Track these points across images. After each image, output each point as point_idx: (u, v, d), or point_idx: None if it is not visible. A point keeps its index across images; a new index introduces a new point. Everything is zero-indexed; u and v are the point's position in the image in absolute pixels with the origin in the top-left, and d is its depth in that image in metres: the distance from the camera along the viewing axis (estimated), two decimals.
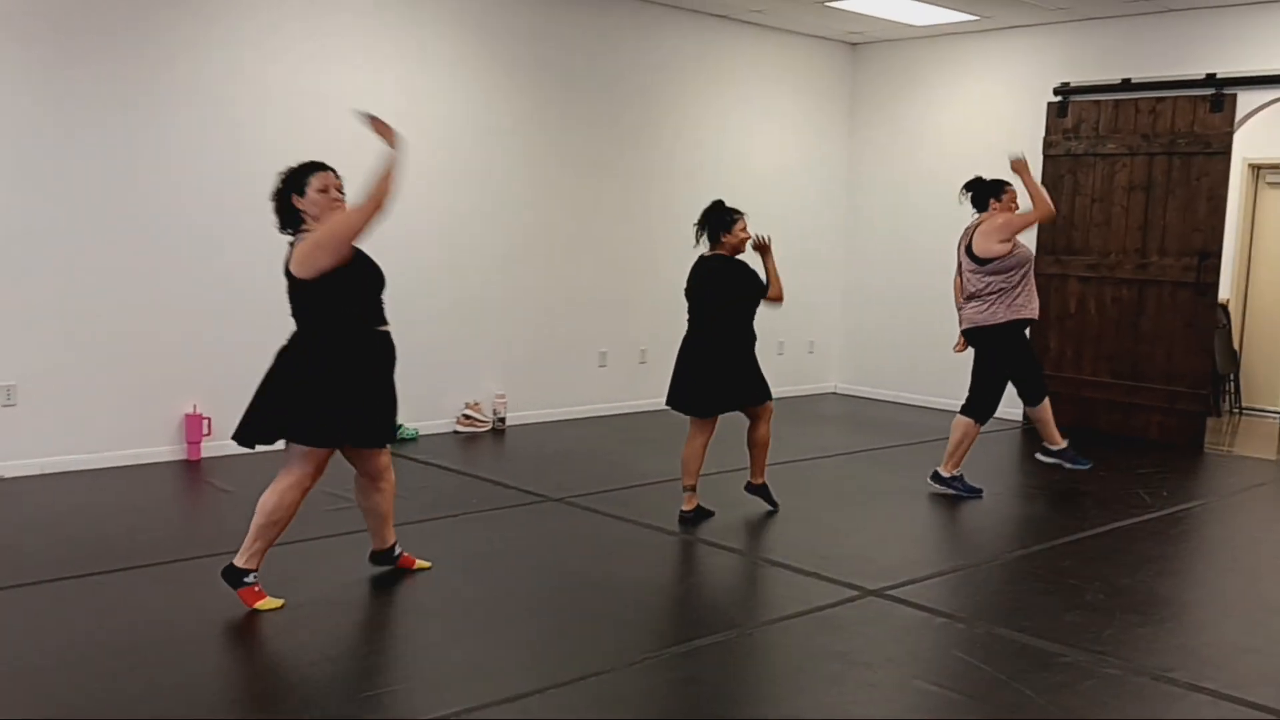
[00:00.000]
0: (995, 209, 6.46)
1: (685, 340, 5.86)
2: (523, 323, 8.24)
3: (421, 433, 7.50)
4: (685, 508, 5.78)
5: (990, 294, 6.38)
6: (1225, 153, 8.05)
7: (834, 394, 10.35)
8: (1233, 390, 9.98)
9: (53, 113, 6.17)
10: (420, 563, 4.81)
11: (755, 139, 9.55)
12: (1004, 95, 9.18)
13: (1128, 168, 8.49)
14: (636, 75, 8.74)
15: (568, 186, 8.43)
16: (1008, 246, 6.30)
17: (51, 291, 6.25)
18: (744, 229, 5.74)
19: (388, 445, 4.59)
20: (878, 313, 10.05)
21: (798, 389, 9.99)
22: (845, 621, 4.42)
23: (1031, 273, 6.43)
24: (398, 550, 4.79)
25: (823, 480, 6.83)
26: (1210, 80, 8.05)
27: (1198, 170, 8.16)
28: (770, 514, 5.95)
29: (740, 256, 5.79)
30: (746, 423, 5.94)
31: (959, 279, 6.65)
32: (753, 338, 5.79)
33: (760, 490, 6.01)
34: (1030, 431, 7.76)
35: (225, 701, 3.52)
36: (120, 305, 6.46)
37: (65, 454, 6.34)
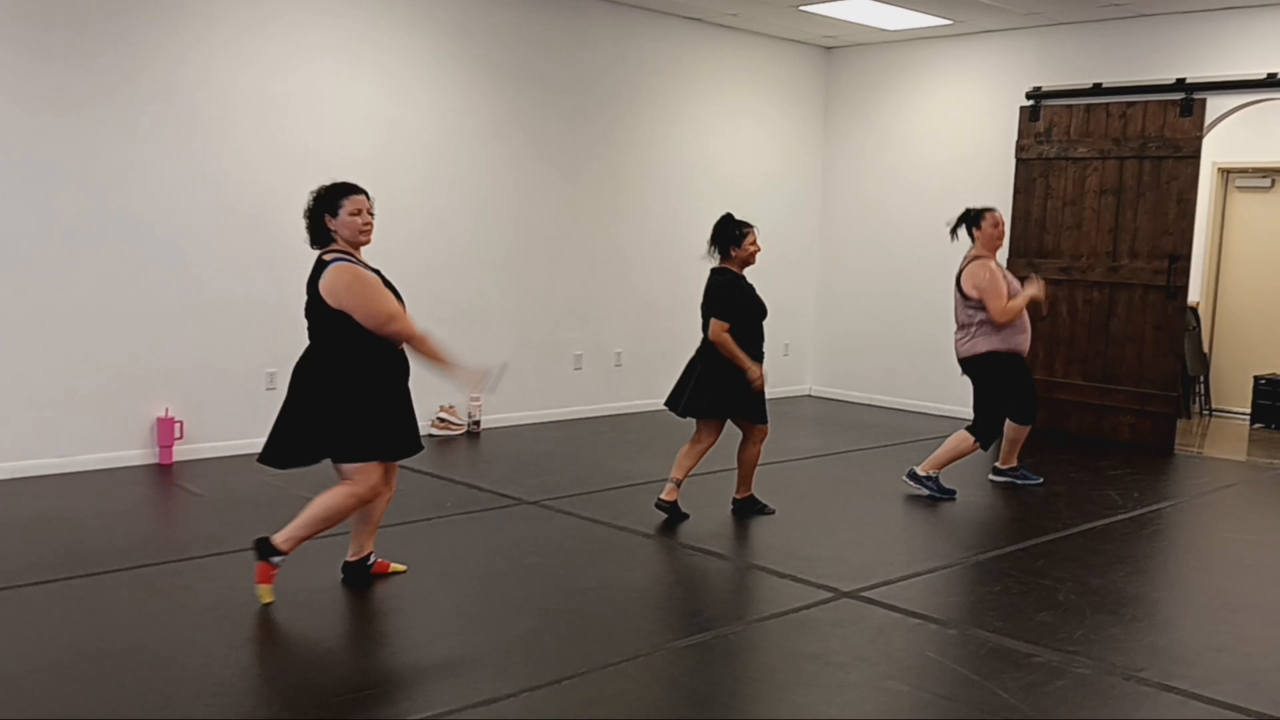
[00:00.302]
0: (978, 236, 6.54)
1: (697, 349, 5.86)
2: (498, 326, 8.23)
3: None
4: (664, 496, 5.80)
5: (972, 325, 6.50)
6: (1195, 157, 8.13)
7: (809, 396, 10.39)
8: (1203, 392, 10.07)
9: (21, 114, 6.12)
10: (395, 566, 4.80)
11: (730, 142, 9.58)
12: (977, 99, 9.25)
13: (1099, 171, 8.56)
14: (612, 79, 8.75)
15: (542, 190, 8.43)
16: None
17: (21, 294, 6.20)
18: (754, 242, 5.72)
19: (418, 452, 4.64)
20: (852, 315, 10.09)
21: (773, 391, 9.95)
22: (820, 623, 4.44)
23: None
24: (372, 559, 4.77)
25: (798, 482, 6.86)
26: (1180, 85, 8.13)
27: (1168, 174, 8.24)
28: (747, 517, 5.96)
29: (749, 270, 5.77)
30: (736, 435, 5.96)
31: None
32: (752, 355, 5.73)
33: (745, 503, 6.01)
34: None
35: (200, 705, 3.50)
36: (91, 308, 6.42)
37: (36, 458, 6.28)
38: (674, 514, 5.80)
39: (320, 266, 4.32)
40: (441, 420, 7.84)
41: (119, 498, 6.00)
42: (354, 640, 4.28)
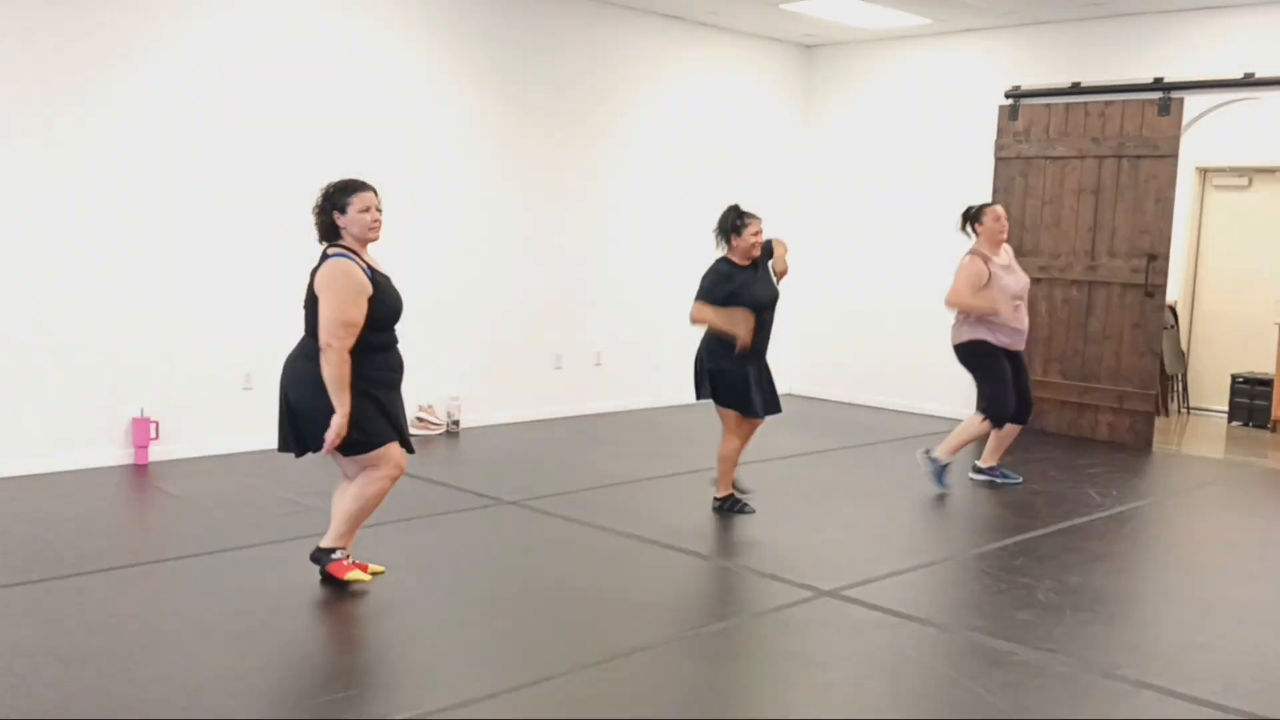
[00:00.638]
0: (980, 232, 6.64)
1: None
2: (477, 325, 8.21)
3: None
4: (733, 491, 6.02)
5: (960, 315, 6.60)
6: (1173, 156, 8.16)
7: (790, 395, 10.38)
8: (1181, 390, 10.12)
9: None
10: (373, 567, 4.76)
11: (710, 141, 9.57)
12: (956, 98, 9.26)
13: (1077, 170, 8.59)
14: (592, 77, 8.73)
15: (522, 188, 8.40)
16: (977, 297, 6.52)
17: None
18: (755, 234, 5.70)
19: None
20: (833, 315, 10.10)
21: None
22: (800, 622, 4.43)
23: (1015, 300, 6.52)
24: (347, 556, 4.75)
25: (778, 482, 6.85)
26: (1158, 84, 8.17)
27: (1146, 173, 8.27)
28: (730, 516, 5.95)
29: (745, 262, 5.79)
30: (722, 432, 5.98)
31: None
32: (717, 340, 5.76)
33: (726, 502, 6.00)
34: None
35: (178, 708, 3.47)
36: (66, 308, 6.36)
37: (9, 459, 6.22)
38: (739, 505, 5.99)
39: (322, 259, 4.39)
40: (420, 420, 7.81)
41: (94, 499, 5.95)
42: (332, 642, 4.25)
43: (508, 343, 8.41)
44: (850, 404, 9.91)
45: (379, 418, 4.43)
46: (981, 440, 6.86)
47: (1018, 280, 6.62)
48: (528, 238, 8.47)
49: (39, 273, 6.26)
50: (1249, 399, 9.48)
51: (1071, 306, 8.66)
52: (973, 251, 6.58)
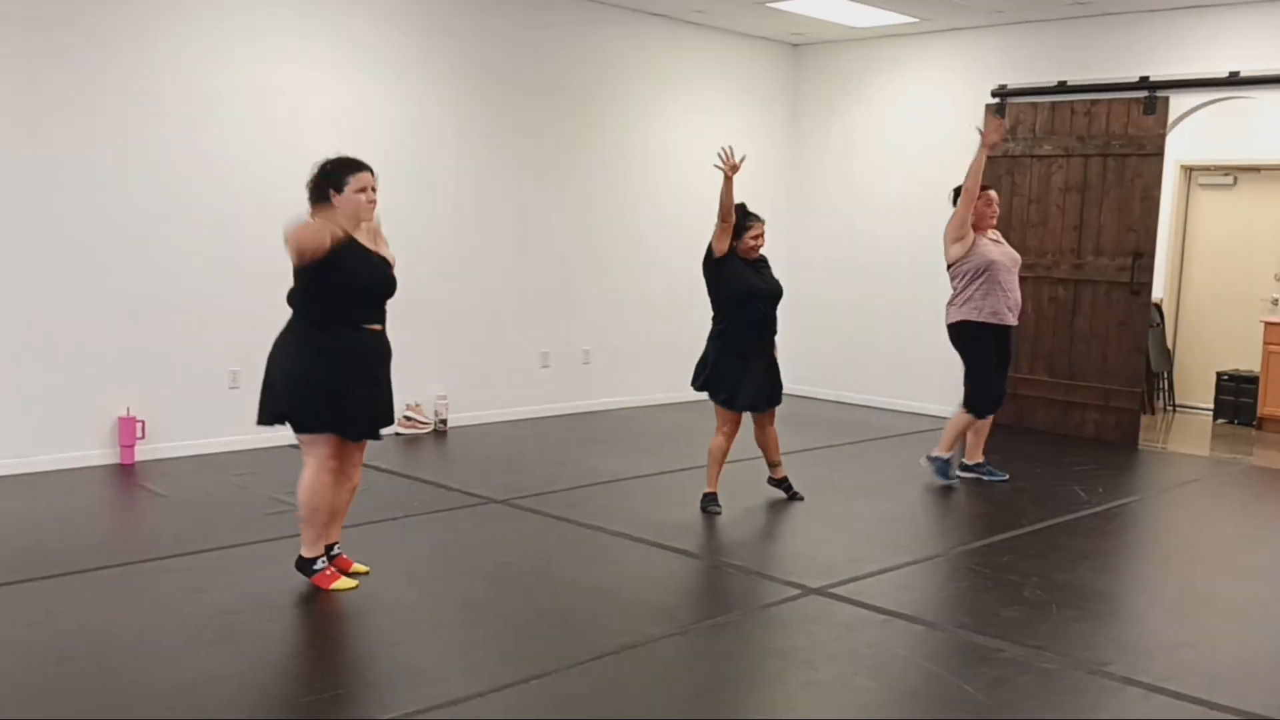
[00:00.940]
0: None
1: None
2: (465, 323, 8.19)
3: None
4: (775, 476, 6.36)
5: (952, 295, 6.67)
6: (1158, 154, 8.19)
7: None
8: (1166, 388, 10.16)
9: None
10: (358, 566, 4.76)
11: (697, 139, 9.55)
12: (944, 97, 9.28)
13: (1064, 169, 8.62)
14: (578, 75, 8.72)
15: (509, 187, 8.39)
16: (961, 249, 6.55)
17: None
18: (754, 236, 5.88)
19: (365, 441, 4.64)
20: (821, 312, 10.10)
21: None
22: (788, 620, 4.44)
23: (998, 277, 6.55)
24: (335, 551, 4.74)
25: (766, 479, 6.85)
26: (1143, 83, 8.19)
27: (1132, 171, 8.30)
28: (717, 513, 5.95)
29: (751, 258, 5.93)
30: (711, 430, 6.06)
31: None
32: (718, 333, 5.92)
33: (706, 498, 6.03)
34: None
35: (162, 708, 3.46)
36: (52, 306, 6.33)
37: None
38: (789, 491, 6.30)
39: None
40: (408, 419, 7.79)
41: (80, 498, 5.92)
42: (320, 641, 4.24)
43: (495, 341, 8.40)
44: (839, 402, 9.92)
45: (317, 401, 4.37)
46: (969, 432, 6.90)
47: (1006, 253, 6.68)
48: (515, 236, 8.45)
49: (23, 271, 6.23)
50: (1234, 396, 9.51)
51: (1058, 305, 8.69)
52: None
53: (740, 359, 5.86)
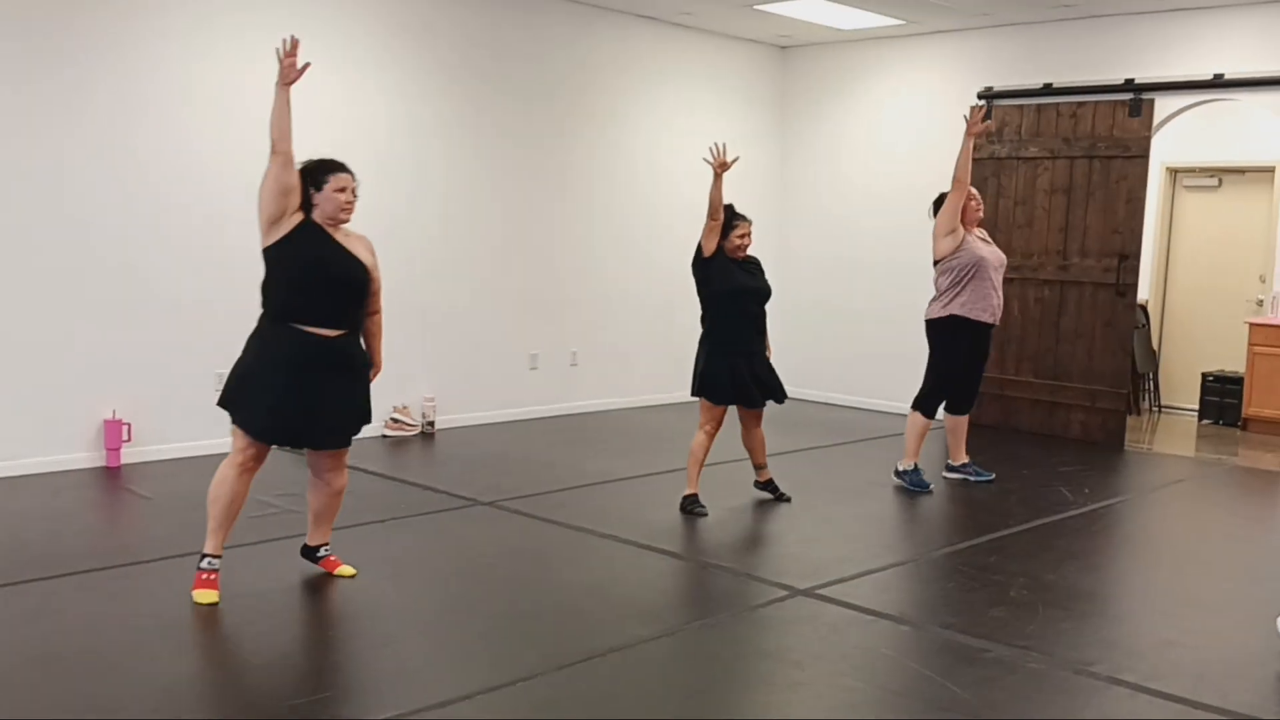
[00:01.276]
0: None
1: None
2: (452, 325, 8.19)
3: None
4: (761, 479, 6.40)
5: (937, 291, 6.66)
6: (1144, 156, 8.23)
7: None
8: (1152, 389, 10.20)
9: None
10: (344, 569, 4.74)
11: (686, 141, 9.55)
12: (930, 99, 9.30)
13: (1049, 171, 8.65)
14: (567, 77, 8.72)
15: (497, 188, 8.38)
16: (952, 243, 6.55)
17: None
18: (740, 235, 5.93)
19: (325, 449, 4.55)
20: (810, 314, 10.12)
21: None
22: (775, 621, 4.45)
23: (985, 275, 6.56)
24: (322, 552, 4.74)
25: (753, 483, 6.86)
26: (1129, 85, 8.23)
27: (1117, 173, 8.33)
28: (703, 515, 5.95)
29: (736, 257, 5.98)
30: (697, 433, 6.05)
31: None
32: (706, 333, 5.98)
33: (687, 500, 6.03)
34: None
35: (151, 710, 3.45)
36: (37, 308, 6.30)
37: None
38: (775, 493, 6.30)
39: None
40: (395, 421, 7.78)
41: (65, 501, 5.90)
42: (307, 644, 4.23)
43: (483, 343, 8.39)
44: (826, 403, 9.94)
45: (242, 393, 4.35)
46: (947, 434, 6.93)
47: (995, 253, 6.71)
48: (503, 237, 8.45)
49: (8, 273, 6.20)
50: (1219, 397, 9.56)
51: (1044, 306, 8.72)
52: None
53: (728, 356, 5.90)
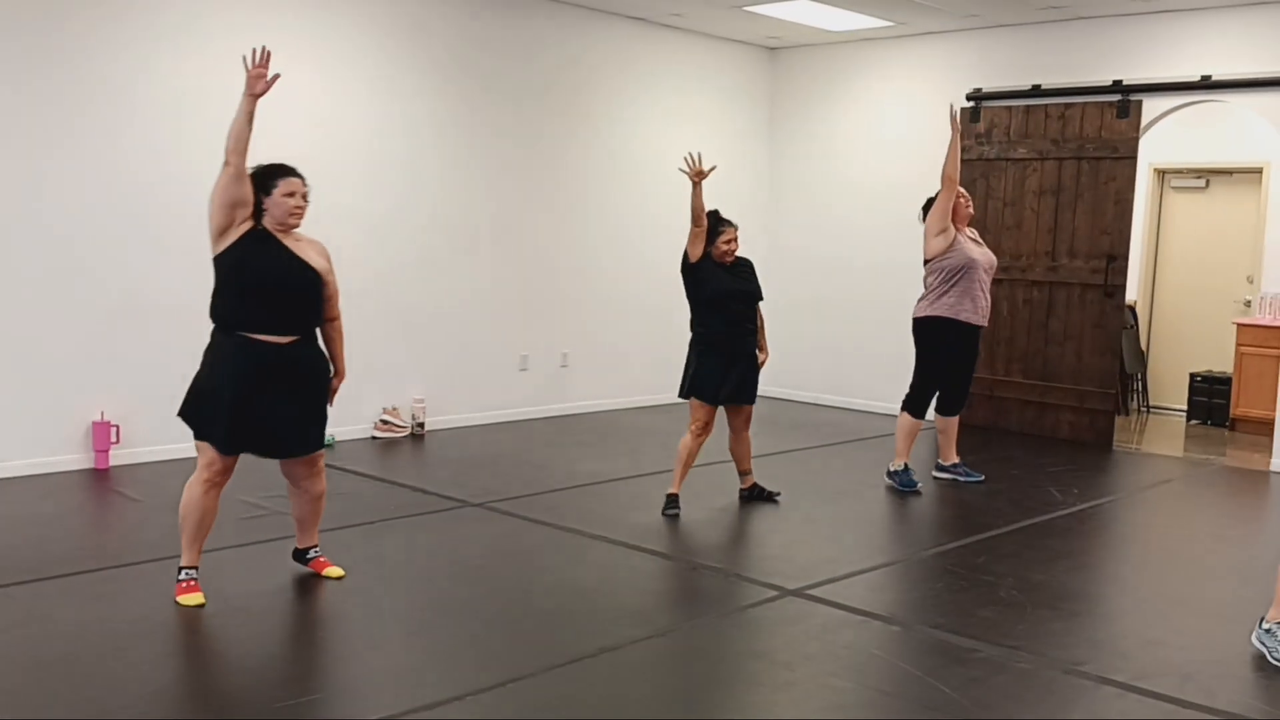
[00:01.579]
0: None
1: None
2: (442, 326, 8.17)
3: (338, 439, 7.39)
4: (745, 487, 6.38)
5: (926, 290, 6.68)
6: (1132, 157, 8.25)
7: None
8: (1140, 389, 10.24)
9: None
10: (332, 570, 4.73)
11: (676, 143, 9.55)
12: (919, 100, 9.31)
13: (1038, 172, 8.67)
14: (555, 78, 8.72)
15: (486, 190, 8.38)
16: (944, 242, 6.55)
17: None
18: (726, 241, 5.96)
19: (290, 457, 4.53)
20: (799, 315, 10.12)
21: None
22: (765, 621, 4.45)
23: (975, 277, 6.58)
24: (312, 554, 4.74)
25: (738, 492, 6.86)
26: (1117, 87, 8.26)
27: (1105, 174, 8.36)
28: (694, 516, 5.96)
29: (724, 260, 6.01)
30: (690, 434, 6.06)
31: None
32: (696, 336, 6.02)
33: (670, 501, 6.04)
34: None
35: (138, 712, 3.44)
36: (25, 309, 6.28)
37: None
38: (762, 495, 6.32)
39: None
40: (385, 423, 7.77)
41: (53, 503, 5.88)
42: (295, 646, 4.22)
43: (473, 344, 8.38)
44: (815, 404, 9.95)
45: (197, 405, 4.36)
46: (942, 436, 6.95)
47: (985, 255, 6.73)
48: (493, 238, 8.44)
49: None
50: (1207, 397, 9.59)
51: (1032, 307, 8.74)
52: None
53: (718, 358, 5.93)
